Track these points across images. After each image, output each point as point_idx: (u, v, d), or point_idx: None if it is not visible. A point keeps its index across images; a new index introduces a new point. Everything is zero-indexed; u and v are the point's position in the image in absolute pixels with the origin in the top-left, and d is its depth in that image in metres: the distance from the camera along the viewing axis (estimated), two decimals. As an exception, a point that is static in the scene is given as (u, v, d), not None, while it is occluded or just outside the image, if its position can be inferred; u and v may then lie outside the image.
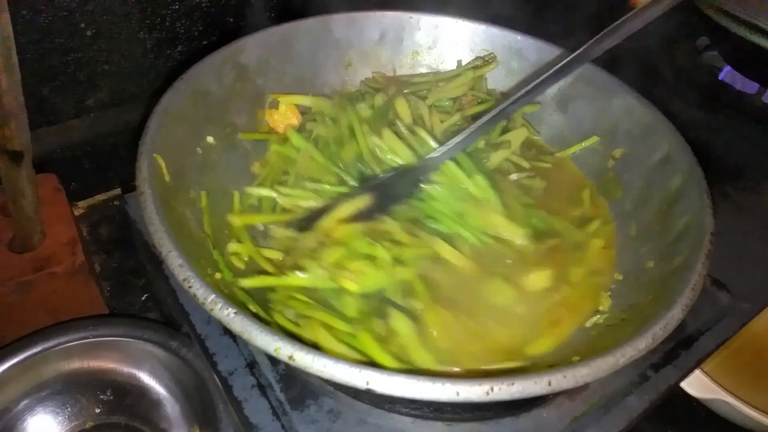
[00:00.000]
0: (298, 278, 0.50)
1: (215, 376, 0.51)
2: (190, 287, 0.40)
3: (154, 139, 0.50)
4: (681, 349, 0.58)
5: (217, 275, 0.49)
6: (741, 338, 0.82)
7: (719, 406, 0.73)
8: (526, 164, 0.66)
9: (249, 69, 0.63)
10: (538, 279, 0.55)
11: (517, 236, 0.57)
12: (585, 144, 0.67)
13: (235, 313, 0.39)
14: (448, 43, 0.73)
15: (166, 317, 0.70)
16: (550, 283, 0.55)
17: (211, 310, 0.39)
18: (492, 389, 0.36)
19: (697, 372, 0.72)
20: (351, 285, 0.49)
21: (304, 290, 0.51)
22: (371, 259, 0.51)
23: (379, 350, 0.45)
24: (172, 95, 0.54)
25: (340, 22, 0.69)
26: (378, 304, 0.50)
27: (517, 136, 0.66)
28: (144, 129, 0.50)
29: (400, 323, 0.48)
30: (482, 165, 0.62)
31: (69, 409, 0.63)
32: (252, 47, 0.62)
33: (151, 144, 0.49)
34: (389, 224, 0.54)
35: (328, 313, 0.48)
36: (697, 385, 0.72)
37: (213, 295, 0.39)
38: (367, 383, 0.36)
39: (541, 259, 0.57)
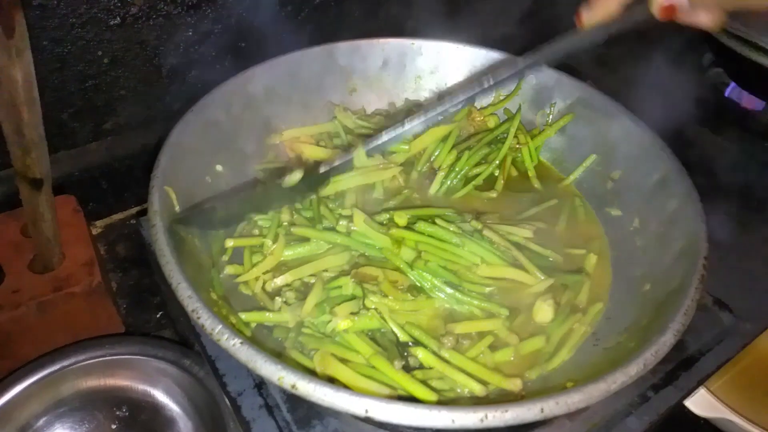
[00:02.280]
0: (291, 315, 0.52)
1: (225, 397, 0.53)
2: (198, 318, 0.42)
3: (165, 171, 0.52)
4: (682, 369, 0.59)
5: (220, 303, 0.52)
6: (747, 358, 0.81)
7: (724, 425, 0.73)
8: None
9: (256, 98, 0.65)
10: (542, 312, 0.56)
11: (533, 280, 0.58)
12: (585, 164, 0.68)
13: (241, 343, 0.41)
14: (449, 67, 0.75)
15: (180, 335, 0.72)
16: (553, 313, 0.56)
17: (218, 340, 0.41)
18: (486, 416, 0.38)
19: (702, 391, 0.72)
20: (343, 324, 0.51)
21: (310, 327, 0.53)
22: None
23: (408, 379, 0.47)
24: (183, 127, 0.56)
25: (343, 49, 0.71)
26: (387, 344, 0.52)
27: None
28: (155, 162, 0.52)
29: (425, 356, 0.50)
30: (467, 227, 0.61)
31: (86, 425, 0.65)
32: (259, 77, 0.65)
33: (162, 177, 0.51)
34: (375, 271, 0.56)
35: (337, 344, 0.50)
36: (702, 404, 0.72)
37: (220, 326, 0.41)
38: (366, 411, 0.38)
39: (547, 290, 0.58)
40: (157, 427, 0.66)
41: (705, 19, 0.48)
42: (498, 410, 0.37)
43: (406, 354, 0.51)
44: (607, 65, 1.03)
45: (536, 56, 0.54)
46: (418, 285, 0.56)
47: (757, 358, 0.83)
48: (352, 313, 0.51)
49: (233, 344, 0.40)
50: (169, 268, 0.44)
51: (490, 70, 0.71)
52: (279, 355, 0.41)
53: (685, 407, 0.72)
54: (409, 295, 0.55)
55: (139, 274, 0.84)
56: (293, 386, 0.38)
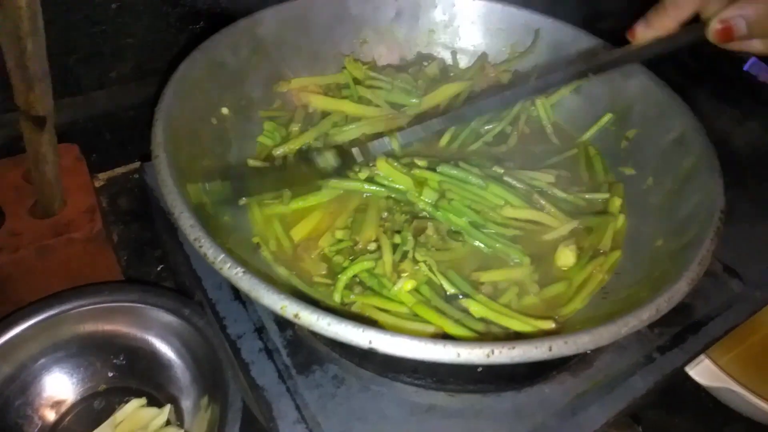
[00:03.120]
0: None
1: (224, 340, 0.52)
2: (200, 247, 0.41)
3: (170, 106, 0.51)
4: (689, 333, 0.58)
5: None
6: (754, 336, 0.81)
7: (726, 395, 0.73)
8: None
9: (265, 42, 0.63)
10: (564, 257, 0.56)
11: (557, 223, 0.58)
12: (600, 123, 0.67)
13: (243, 272, 0.40)
14: (464, 21, 0.73)
15: (180, 287, 0.72)
16: (576, 258, 0.56)
17: (221, 269, 0.40)
18: (492, 352, 0.36)
19: (707, 361, 0.72)
20: (409, 285, 0.50)
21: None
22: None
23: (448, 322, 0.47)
24: (189, 65, 0.55)
25: (356, -2, 0.69)
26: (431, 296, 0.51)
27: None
28: (160, 96, 0.51)
29: (478, 308, 0.50)
30: (490, 171, 0.61)
31: (83, 371, 0.65)
32: (268, 21, 0.63)
33: (167, 110, 0.50)
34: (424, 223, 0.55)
35: (380, 296, 0.50)
36: (705, 373, 0.71)
37: (223, 255, 0.40)
38: (370, 342, 0.37)
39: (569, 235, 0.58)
40: (154, 376, 0.66)
41: (760, 47, 0.48)
42: (505, 346, 0.36)
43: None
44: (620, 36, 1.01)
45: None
46: (449, 231, 0.55)
47: (764, 335, 0.82)
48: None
49: (236, 273, 0.39)
50: (172, 198, 0.43)
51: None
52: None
53: (687, 376, 0.72)
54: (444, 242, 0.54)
55: (140, 227, 0.83)
56: (296, 315, 0.37)
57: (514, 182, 0.59)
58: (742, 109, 0.89)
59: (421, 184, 0.57)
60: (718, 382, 0.70)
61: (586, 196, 0.62)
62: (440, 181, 0.57)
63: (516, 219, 0.58)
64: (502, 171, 0.59)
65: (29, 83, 0.56)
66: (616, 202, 0.60)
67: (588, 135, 0.68)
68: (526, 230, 0.57)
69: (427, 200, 0.56)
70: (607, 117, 0.66)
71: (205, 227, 0.42)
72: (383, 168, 0.57)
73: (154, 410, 0.63)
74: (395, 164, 0.57)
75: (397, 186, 0.58)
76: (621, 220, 0.59)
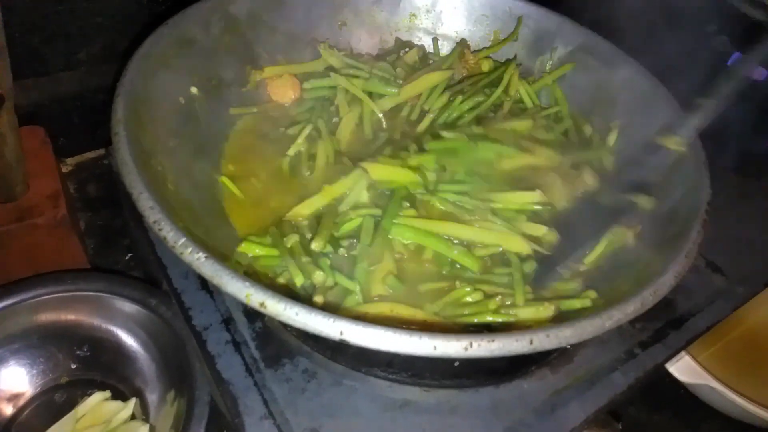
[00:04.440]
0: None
1: (190, 331, 0.50)
2: (160, 230, 0.39)
3: (133, 82, 0.48)
4: (671, 328, 0.57)
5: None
6: (734, 331, 0.81)
7: (705, 392, 0.72)
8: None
9: (239, 21, 0.61)
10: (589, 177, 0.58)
11: (556, 160, 0.58)
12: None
13: (205, 257, 0.37)
14: (446, 6, 0.71)
15: (148, 276, 0.69)
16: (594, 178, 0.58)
17: (182, 254, 0.38)
18: (471, 345, 0.35)
19: (687, 358, 0.71)
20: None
21: None
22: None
23: None
24: (155, 40, 0.53)
25: (336, -22, 0.67)
26: None
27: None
28: (123, 71, 0.49)
29: None
30: (471, 132, 0.60)
31: (44, 362, 0.62)
32: (242, -2, 0.61)
33: (130, 86, 0.48)
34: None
35: None
36: (685, 370, 0.71)
37: (183, 239, 0.38)
38: (341, 333, 0.35)
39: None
40: (119, 367, 0.63)
41: None
42: (484, 339, 0.34)
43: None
44: (603, 27, 1.00)
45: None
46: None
47: (743, 331, 0.82)
48: None
49: (197, 258, 0.37)
50: (131, 178, 0.40)
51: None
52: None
53: (667, 373, 0.71)
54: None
55: (109, 214, 0.81)
56: (262, 304, 0.35)
57: (498, 135, 0.59)
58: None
59: (417, 168, 0.55)
60: (697, 379, 0.70)
61: (558, 126, 0.63)
62: (435, 158, 0.55)
63: (514, 169, 0.57)
64: (483, 130, 0.59)
65: (-16, 59, 0.53)
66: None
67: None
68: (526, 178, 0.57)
69: (429, 179, 0.54)
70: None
71: (167, 210, 0.40)
72: (376, 173, 0.54)
73: (118, 404, 0.61)
74: (387, 161, 0.55)
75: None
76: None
